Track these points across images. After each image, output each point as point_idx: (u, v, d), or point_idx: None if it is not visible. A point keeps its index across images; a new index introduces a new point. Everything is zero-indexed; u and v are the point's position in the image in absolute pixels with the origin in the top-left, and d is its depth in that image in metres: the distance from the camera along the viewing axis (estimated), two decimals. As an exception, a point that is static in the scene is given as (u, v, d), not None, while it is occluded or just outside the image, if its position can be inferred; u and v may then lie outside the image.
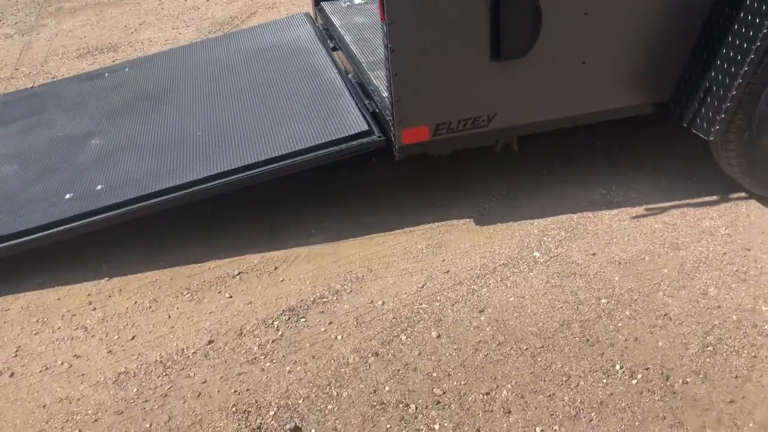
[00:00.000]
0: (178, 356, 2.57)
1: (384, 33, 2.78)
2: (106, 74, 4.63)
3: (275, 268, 3.02)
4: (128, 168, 3.24)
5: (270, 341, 2.61)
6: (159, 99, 3.95)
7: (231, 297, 2.86)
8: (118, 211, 2.98)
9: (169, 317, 2.78)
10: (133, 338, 2.68)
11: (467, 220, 3.23)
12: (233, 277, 2.98)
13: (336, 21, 4.43)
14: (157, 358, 2.56)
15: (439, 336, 2.57)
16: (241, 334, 2.66)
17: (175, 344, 2.63)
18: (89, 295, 2.93)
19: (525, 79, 2.96)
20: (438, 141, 3.02)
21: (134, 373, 2.50)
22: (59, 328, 2.76)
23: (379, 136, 3.08)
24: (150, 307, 2.83)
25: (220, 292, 2.89)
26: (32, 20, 7.38)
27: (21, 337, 2.73)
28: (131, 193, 3.03)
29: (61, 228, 2.94)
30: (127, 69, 4.63)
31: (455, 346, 2.52)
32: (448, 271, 2.91)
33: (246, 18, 6.81)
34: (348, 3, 4.82)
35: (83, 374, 2.52)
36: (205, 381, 2.45)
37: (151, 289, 2.93)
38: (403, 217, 3.29)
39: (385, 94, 3.28)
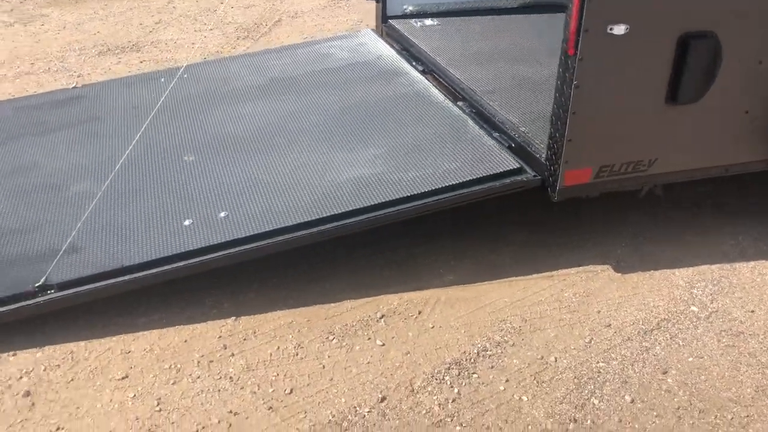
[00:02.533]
0: (352, 416, 2.28)
1: (568, 68, 2.59)
2: (162, 79, 4.24)
3: (419, 312, 2.76)
4: (249, 194, 2.91)
5: (449, 400, 2.36)
6: (247, 113, 3.62)
7: (384, 345, 2.59)
8: (252, 245, 2.64)
9: (323, 367, 2.48)
10: (291, 392, 2.37)
11: (605, 267, 3.07)
12: (377, 320, 2.71)
13: (419, 43, 4.22)
14: (330, 418, 2.27)
15: (633, 401, 2.38)
16: (413, 390, 2.40)
17: (343, 400, 2.34)
18: (220, 336, 2.60)
19: (691, 125, 2.84)
20: (597, 184, 2.86)
21: (309, 435, 2.20)
22: (199, 377, 2.42)
23: (534, 176, 2.88)
24: (297, 354, 2.53)
25: (369, 339, 2.62)
26: (29, 8, 6.80)
27: (157, 386, 2.37)
28: (263, 224, 2.70)
29: (194, 261, 2.58)
30: (186, 75, 4.25)
31: (654, 413, 2.34)
32: (610, 324, 2.74)
33: (272, 26, 6.49)
34: (420, 23, 4.62)
35: (249, 435, 2.20)
36: (392, 446, 2.19)
37: (290, 333, 2.63)
38: (534, 259, 3.10)
39: (524, 128, 3.11)
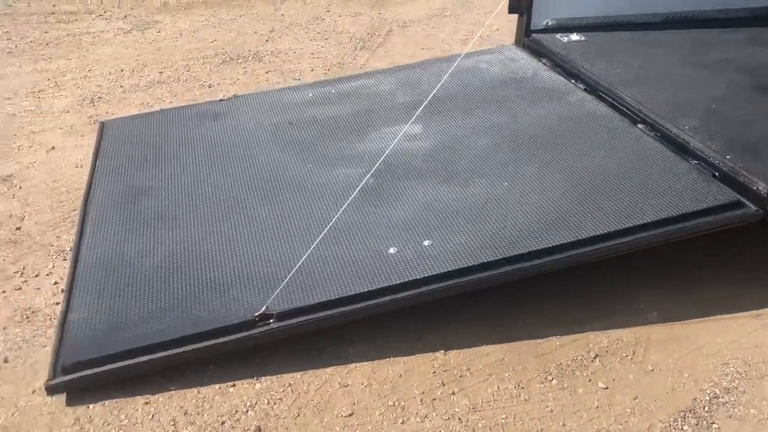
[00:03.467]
0: (599, 467, 2.16)
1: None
2: (310, 94, 4.19)
3: (633, 353, 2.63)
4: (445, 222, 2.81)
5: (697, 453, 2.22)
6: (413, 133, 3.53)
7: (607, 388, 2.46)
8: (467, 278, 2.54)
9: (551, 411, 2.36)
10: (526, 437, 2.26)
11: (816, 308, 2.89)
12: (591, 360, 2.59)
13: (574, 59, 4.09)
14: (577, 469, 2.15)
15: None
16: (656, 441, 2.26)
17: (584, 449, 2.22)
18: (434, 372, 2.50)
19: None
20: (823, 222, 2.68)
21: (560, 487, 2.08)
22: (426, 416, 2.32)
23: (756, 210, 2.72)
24: (520, 395, 2.42)
25: (590, 381, 2.49)
26: (142, 15, 6.86)
27: (387, 426, 2.28)
28: (470, 256, 2.60)
29: (408, 294, 2.49)
30: (333, 91, 4.19)
31: None
32: (842, 372, 2.56)
33: (385, 36, 6.41)
34: (567, 38, 4.48)
35: (496, 485, 2.09)
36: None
37: (505, 371, 2.52)
38: (735, 295, 2.93)
39: (729, 157, 2.95)
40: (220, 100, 4.30)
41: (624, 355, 2.62)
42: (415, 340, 2.64)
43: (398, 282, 2.50)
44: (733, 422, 2.34)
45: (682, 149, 3.14)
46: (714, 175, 2.95)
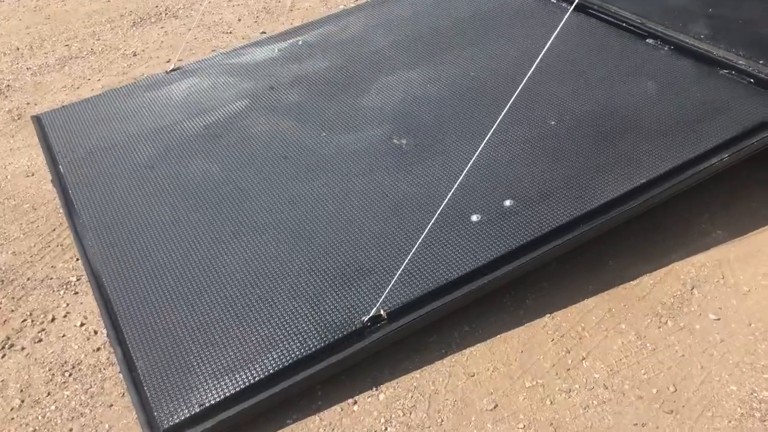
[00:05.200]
0: (757, 403, 2.12)
1: None
2: (276, 49, 3.77)
3: (723, 276, 2.60)
4: (512, 175, 2.61)
5: (832, 368, 2.24)
6: (422, 79, 3.25)
7: (719, 318, 2.42)
8: (564, 238, 2.37)
9: (683, 356, 2.29)
10: (675, 390, 2.18)
11: None
12: (689, 292, 2.53)
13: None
14: (740, 410, 2.10)
15: None
16: (788, 363, 2.25)
17: (733, 388, 2.17)
18: (552, 340, 2.35)
19: None
20: None
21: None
22: (569, 389, 2.17)
23: (815, 114, 2.72)
24: (646, 346, 2.32)
25: (700, 315, 2.44)
26: (6, -21, 5.85)
27: (537, 410, 2.11)
28: (560, 212, 2.42)
29: (511, 267, 2.29)
30: (300, 42, 3.77)
31: None
32: None
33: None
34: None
35: (675, 447, 2.00)
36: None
37: (620, 323, 2.41)
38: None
39: (762, 61, 2.92)
40: (171, 70, 3.75)
41: (716, 280, 2.58)
42: (515, 310, 2.46)
43: (507, 250, 2.29)
44: None
45: (706, 60, 3.07)
46: (750, 83, 2.91)
